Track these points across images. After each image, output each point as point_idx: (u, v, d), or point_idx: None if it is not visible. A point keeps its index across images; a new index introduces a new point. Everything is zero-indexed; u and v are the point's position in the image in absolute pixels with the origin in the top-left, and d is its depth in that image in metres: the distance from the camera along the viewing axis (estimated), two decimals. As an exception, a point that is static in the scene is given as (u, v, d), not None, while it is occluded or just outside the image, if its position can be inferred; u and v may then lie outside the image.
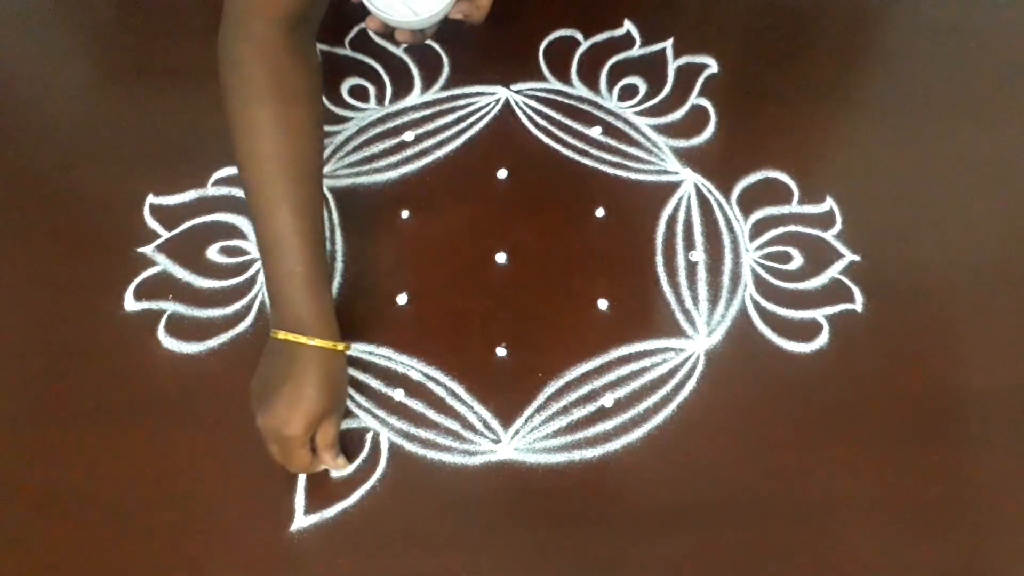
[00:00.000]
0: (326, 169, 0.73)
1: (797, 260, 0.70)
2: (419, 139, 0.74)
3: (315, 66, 0.63)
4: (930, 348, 0.66)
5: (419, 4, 0.65)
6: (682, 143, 0.75)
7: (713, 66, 0.78)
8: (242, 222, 0.70)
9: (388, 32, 0.70)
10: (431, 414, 0.64)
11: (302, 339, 0.57)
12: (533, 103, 0.76)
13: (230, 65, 0.59)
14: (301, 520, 0.60)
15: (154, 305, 0.67)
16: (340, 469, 0.61)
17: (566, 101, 0.76)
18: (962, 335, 0.67)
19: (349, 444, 0.62)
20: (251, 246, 0.70)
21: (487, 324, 0.67)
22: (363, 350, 0.66)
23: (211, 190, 0.72)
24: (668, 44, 0.79)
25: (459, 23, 0.67)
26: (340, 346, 0.59)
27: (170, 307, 0.67)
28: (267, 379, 0.58)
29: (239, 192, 0.71)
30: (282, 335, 0.57)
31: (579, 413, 0.64)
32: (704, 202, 0.72)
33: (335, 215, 0.71)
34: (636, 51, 0.79)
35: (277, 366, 0.58)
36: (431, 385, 0.65)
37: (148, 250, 0.69)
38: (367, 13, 0.68)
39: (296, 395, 0.56)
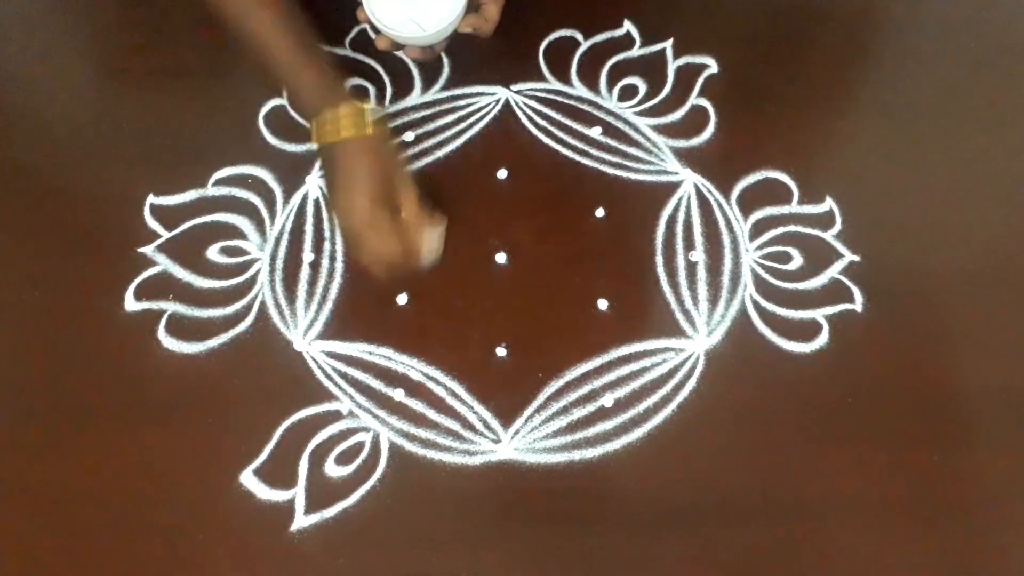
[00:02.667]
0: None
1: (797, 260, 0.70)
2: (419, 139, 0.74)
3: None
4: (930, 348, 0.67)
5: (427, 20, 0.65)
6: (682, 143, 0.75)
7: (713, 66, 0.78)
8: (242, 222, 0.71)
9: (398, 50, 0.70)
10: (431, 414, 0.64)
11: (331, 138, 0.61)
12: (533, 103, 0.76)
13: None
14: (301, 520, 0.60)
15: (154, 305, 0.67)
16: (438, 227, 0.64)
17: (566, 101, 0.76)
18: (962, 335, 0.67)
19: (349, 444, 0.62)
20: (251, 246, 0.70)
21: (487, 324, 0.67)
22: (363, 350, 0.66)
23: (211, 190, 0.72)
24: (668, 44, 0.79)
25: (467, 37, 0.67)
26: (368, 130, 0.61)
27: (170, 307, 0.67)
28: (329, 186, 0.64)
29: (239, 192, 0.71)
30: (318, 143, 0.62)
31: (579, 413, 0.64)
32: (704, 202, 0.72)
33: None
34: (636, 51, 0.79)
35: (329, 170, 0.63)
36: (431, 385, 0.65)
37: (148, 250, 0.69)
38: (378, 33, 0.68)
39: (349, 181, 0.61)
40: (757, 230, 0.71)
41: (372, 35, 0.74)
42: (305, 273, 0.69)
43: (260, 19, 0.62)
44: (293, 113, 0.74)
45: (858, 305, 0.68)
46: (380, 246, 0.61)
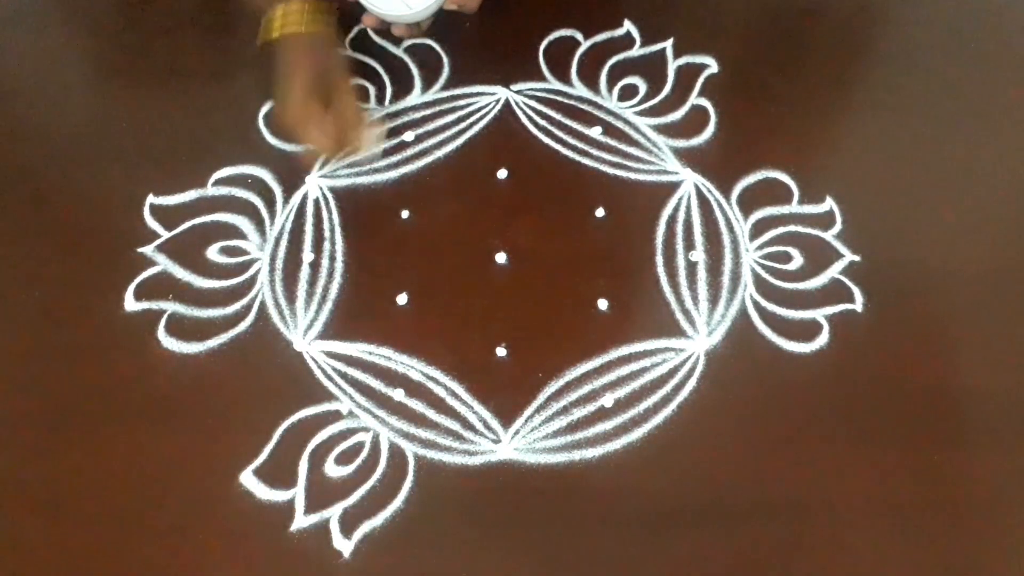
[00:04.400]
0: (326, 169, 0.73)
1: (797, 260, 0.70)
2: (419, 139, 0.74)
3: None
4: (930, 348, 0.66)
5: None
6: (682, 143, 0.75)
7: (713, 66, 0.78)
8: (242, 222, 0.71)
9: (385, 28, 0.70)
10: (431, 414, 0.64)
11: (270, 35, 0.66)
12: (533, 103, 0.76)
13: None
14: (301, 520, 0.60)
15: (154, 305, 0.67)
16: (377, 131, 0.68)
17: (566, 101, 0.76)
18: (962, 335, 0.67)
19: (349, 444, 0.62)
20: (251, 246, 0.70)
21: (487, 324, 0.67)
22: (363, 350, 0.66)
23: (211, 190, 0.72)
24: (668, 44, 0.79)
25: (455, 14, 0.67)
26: (303, 26, 0.66)
27: (170, 307, 0.67)
28: (273, 83, 0.66)
29: (239, 192, 0.71)
30: (260, 39, 0.66)
31: (579, 413, 0.64)
32: (704, 202, 0.72)
33: (335, 215, 0.71)
34: (636, 51, 0.79)
35: (274, 69, 0.66)
36: (431, 385, 0.65)
37: (148, 250, 0.69)
38: (364, 11, 0.68)
39: (284, 78, 0.64)
40: (757, 230, 0.71)
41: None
42: (305, 273, 0.69)
43: None
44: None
45: (858, 305, 0.68)
46: (312, 137, 0.65)
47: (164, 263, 0.69)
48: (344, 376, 0.65)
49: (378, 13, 0.66)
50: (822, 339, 0.66)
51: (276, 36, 0.66)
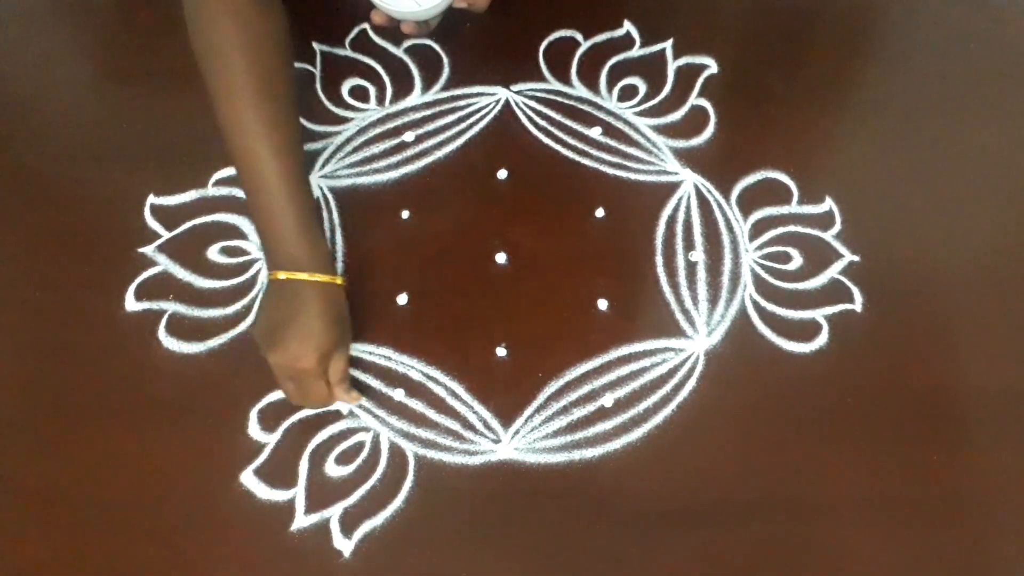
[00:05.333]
0: (326, 169, 0.73)
1: (797, 260, 0.70)
2: (419, 139, 0.74)
3: (279, 11, 0.64)
4: (930, 348, 0.67)
5: None
6: (682, 143, 0.75)
7: (713, 66, 0.78)
8: (242, 222, 0.71)
9: (393, 26, 0.70)
10: (431, 414, 0.64)
11: (303, 276, 0.60)
12: (533, 103, 0.76)
13: (198, 24, 0.62)
14: (301, 520, 0.60)
15: (155, 305, 0.67)
16: (354, 402, 0.63)
17: (566, 101, 0.76)
18: (962, 335, 0.67)
19: (349, 444, 0.62)
20: (251, 246, 0.70)
21: (487, 324, 0.67)
22: (363, 350, 0.66)
23: (211, 190, 0.72)
24: (668, 44, 0.79)
25: (461, 13, 0.67)
26: (339, 280, 0.61)
27: (171, 307, 0.67)
28: (273, 320, 0.60)
29: (239, 192, 0.71)
30: (283, 275, 0.60)
31: (579, 413, 0.64)
32: (704, 202, 0.72)
33: (335, 215, 0.71)
34: (636, 51, 0.79)
35: (281, 306, 0.60)
36: (431, 385, 0.65)
37: (149, 250, 0.69)
38: (367, 14, 0.68)
39: (306, 329, 0.59)
40: (757, 230, 0.71)
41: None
42: (305, 273, 0.69)
43: (271, 169, 0.59)
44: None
45: (858, 305, 0.68)
46: (303, 397, 0.61)
47: (165, 263, 0.69)
48: (344, 376, 0.65)
49: (388, 10, 0.65)
50: (822, 339, 0.66)
51: (310, 278, 0.60)
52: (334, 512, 0.60)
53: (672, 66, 0.78)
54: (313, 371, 0.59)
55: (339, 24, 0.79)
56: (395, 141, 0.74)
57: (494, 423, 0.63)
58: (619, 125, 0.75)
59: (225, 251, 0.70)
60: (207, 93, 0.61)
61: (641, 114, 0.76)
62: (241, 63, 0.60)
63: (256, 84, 0.60)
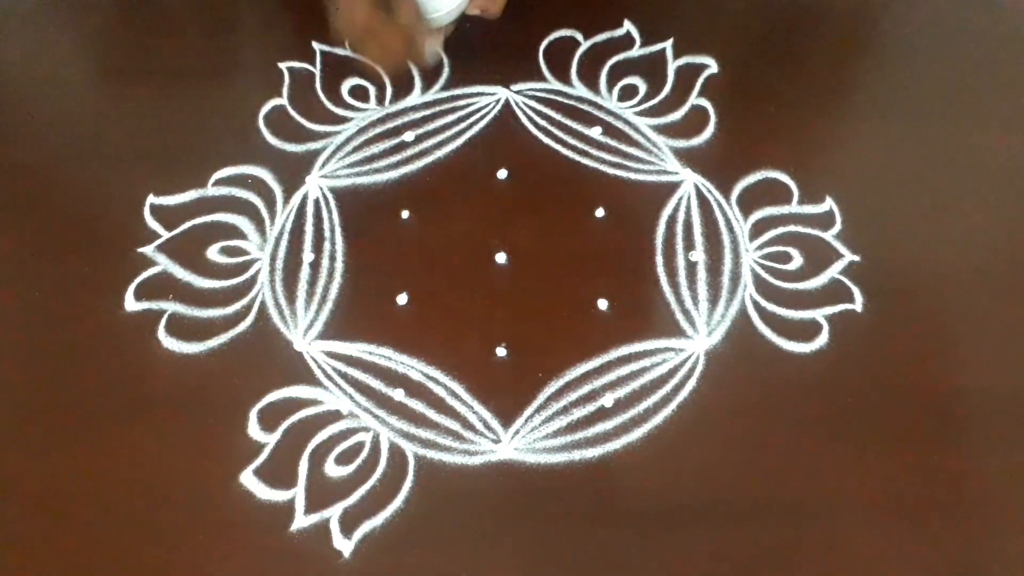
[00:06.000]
0: (326, 169, 0.73)
1: (797, 260, 0.70)
2: (419, 139, 0.74)
3: None
4: (930, 348, 0.66)
5: (432, 2, 0.65)
6: (682, 143, 0.75)
7: (713, 66, 0.78)
8: (242, 222, 0.71)
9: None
10: (431, 414, 0.64)
11: None
12: (533, 103, 0.76)
13: None
14: (301, 520, 0.60)
15: (154, 305, 0.67)
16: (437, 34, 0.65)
17: (566, 101, 0.76)
18: (962, 335, 0.67)
19: (349, 444, 0.62)
20: (251, 246, 0.70)
21: (487, 324, 0.67)
22: (363, 350, 0.66)
23: (211, 190, 0.72)
24: (668, 44, 0.79)
25: (462, 14, 0.67)
26: None
27: (170, 307, 0.67)
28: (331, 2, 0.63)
29: (239, 192, 0.71)
30: None
31: (579, 413, 0.64)
32: (704, 202, 0.72)
33: (335, 215, 0.71)
34: (636, 51, 0.79)
35: None
36: (431, 385, 0.65)
37: (148, 250, 0.69)
38: None
39: None
40: (757, 230, 0.71)
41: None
42: (305, 273, 0.69)
43: None
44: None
45: (858, 305, 0.68)
46: (381, 49, 0.64)
47: (164, 263, 0.69)
48: (344, 376, 0.65)
49: None
50: (822, 339, 0.66)
51: None
52: (334, 512, 0.60)
53: (672, 66, 0.78)
54: (368, 24, 0.61)
55: (339, 24, 0.79)
56: (395, 141, 0.74)
57: (494, 423, 0.63)
58: (619, 125, 0.75)
59: (225, 251, 0.70)
60: None
61: (641, 114, 0.76)
62: None
63: None
